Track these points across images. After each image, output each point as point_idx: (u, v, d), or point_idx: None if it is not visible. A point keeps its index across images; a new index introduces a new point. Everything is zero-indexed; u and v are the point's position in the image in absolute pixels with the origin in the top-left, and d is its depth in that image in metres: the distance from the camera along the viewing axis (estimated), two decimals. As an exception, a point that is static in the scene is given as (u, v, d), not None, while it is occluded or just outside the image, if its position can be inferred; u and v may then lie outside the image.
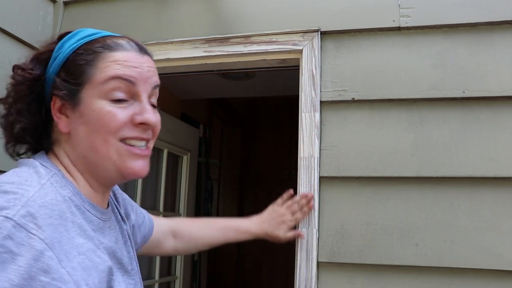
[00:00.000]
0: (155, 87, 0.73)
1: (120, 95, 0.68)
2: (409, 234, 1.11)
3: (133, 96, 0.69)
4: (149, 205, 2.23)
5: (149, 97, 0.71)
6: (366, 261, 1.12)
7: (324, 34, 1.28)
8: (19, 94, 0.71)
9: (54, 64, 0.70)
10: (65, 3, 1.54)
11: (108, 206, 0.77)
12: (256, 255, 4.08)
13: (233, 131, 4.28)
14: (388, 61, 1.22)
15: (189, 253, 1.15)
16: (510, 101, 1.12)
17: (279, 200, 1.22)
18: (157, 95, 0.75)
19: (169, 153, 2.34)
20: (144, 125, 0.69)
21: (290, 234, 1.17)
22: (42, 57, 0.73)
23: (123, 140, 0.68)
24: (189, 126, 2.64)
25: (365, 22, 1.25)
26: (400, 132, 1.17)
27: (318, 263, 1.15)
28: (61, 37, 0.73)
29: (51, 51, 0.72)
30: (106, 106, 0.67)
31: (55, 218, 0.58)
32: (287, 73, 1.43)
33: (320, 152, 1.21)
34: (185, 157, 2.57)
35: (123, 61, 0.68)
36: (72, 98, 0.68)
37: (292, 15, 1.31)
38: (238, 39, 1.33)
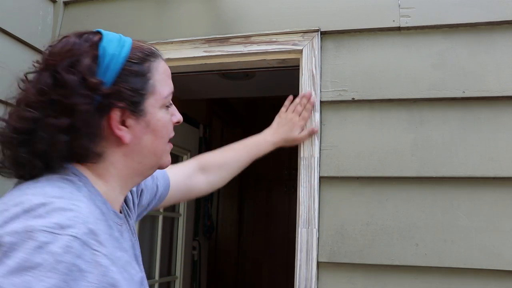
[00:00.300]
0: None
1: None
2: (409, 234, 1.11)
3: None
4: (149, 205, 2.23)
5: None
6: (366, 261, 1.12)
7: (324, 34, 1.28)
8: (84, 108, 0.68)
9: (109, 73, 0.65)
10: (65, 3, 1.54)
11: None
12: (256, 255, 4.08)
13: (233, 131, 4.28)
14: (388, 61, 1.22)
15: (224, 183, 1.16)
16: (510, 101, 1.12)
17: (283, 108, 1.27)
18: None
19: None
20: (177, 123, 0.77)
21: (305, 133, 1.22)
22: (91, 65, 0.67)
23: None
24: (189, 126, 2.64)
25: (365, 22, 1.25)
26: (400, 132, 1.17)
27: (318, 263, 1.15)
28: (97, 39, 0.67)
29: (95, 57, 0.66)
30: (166, 115, 0.73)
31: (106, 233, 0.59)
32: (287, 73, 1.43)
33: (320, 152, 1.21)
34: (185, 157, 2.57)
35: (168, 71, 0.76)
36: (136, 109, 0.68)
37: (292, 15, 1.31)
38: (238, 39, 1.33)
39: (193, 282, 2.79)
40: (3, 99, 1.22)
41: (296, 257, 1.17)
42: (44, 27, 1.46)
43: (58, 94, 0.61)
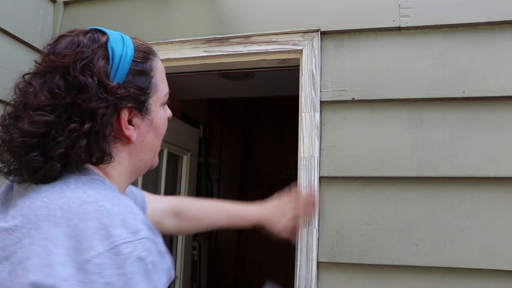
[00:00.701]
0: None
1: None
2: (409, 234, 1.11)
3: None
4: (149, 205, 2.23)
5: None
6: (366, 261, 1.12)
7: (324, 34, 1.28)
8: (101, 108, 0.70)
9: (119, 73, 0.66)
10: (65, 3, 1.54)
11: None
12: (256, 255, 4.08)
13: (233, 131, 4.28)
14: (388, 61, 1.22)
15: (192, 232, 1.19)
16: (510, 101, 1.12)
17: (286, 198, 1.15)
18: None
19: (169, 153, 2.34)
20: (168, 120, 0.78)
21: (288, 232, 1.12)
22: (104, 65, 0.68)
23: None
24: (189, 126, 2.64)
25: (365, 22, 1.25)
26: (400, 132, 1.17)
27: (318, 263, 1.15)
28: (102, 39, 0.67)
29: (107, 58, 0.66)
30: (163, 112, 0.76)
31: None
32: (287, 73, 1.43)
33: (320, 152, 1.21)
34: (185, 157, 2.57)
35: (164, 69, 0.78)
36: (143, 107, 0.69)
37: (292, 15, 1.31)
38: (238, 39, 1.33)
39: (193, 282, 2.79)
40: (3, 99, 1.22)
41: (296, 257, 1.17)
42: (44, 27, 1.46)
43: (75, 98, 0.60)
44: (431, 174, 1.13)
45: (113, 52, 0.65)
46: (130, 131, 0.67)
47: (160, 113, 0.75)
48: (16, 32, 1.31)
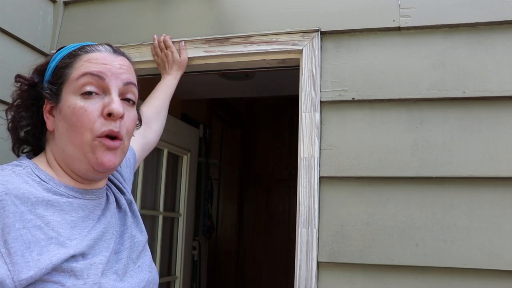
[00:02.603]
0: (127, 84, 0.78)
1: (90, 88, 0.74)
2: (409, 234, 1.11)
3: (104, 90, 0.76)
4: (149, 205, 2.23)
5: (122, 93, 0.78)
6: (366, 261, 1.12)
7: (324, 34, 1.28)
8: (22, 100, 0.80)
9: (48, 73, 0.80)
10: (65, 3, 1.54)
11: (99, 189, 0.82)
12: (256, 255, 4.08)
13: (233, 131, 4.28)
14: (388, 61, 1.22)
15: (163, 126, 1.27)
16: (510, 101, 1.12)
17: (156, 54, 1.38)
18: (134, 93, 0.81)
19: (169, 153, 2.34)
20: (112, 116, 0.73)
21: (181, 54, 1.36)
22: (41, 69, 0.82)
23: (98, 137, 0.73)
24: (189, 126, 2.64)
25: (365, 22, 1.25)
26: (400, 132, 1.17)
27: (318, 263, 1.15)
28: (58, 50, 0.83)
29: (48, 62, 0.82)
30: (78, 102, 0.74)
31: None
32: (287, 73, 1.43)
33: (320, 152, 1.21)
34: (185, 157, 2.57)
35: (95, 59, 0.76)
36: (55, 98, 0.77)
37: (292, 15, 1.31)
38: (238, 39, 1.33)
39: (193, 282, 2.79)
40: (3, 99, 1.22)
41: (296, 257, 1.17)
42: (44, 27, 1.46)
43: None
44: (431, 174, 1.13)
45: (55, 57, 0.81)
46: (47, 119, 0.78)
47: (70, 101, 0.74)
48: (16, 32, 1.31)
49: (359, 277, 1.12)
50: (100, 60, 0.76)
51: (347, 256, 1.13)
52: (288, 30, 1.30)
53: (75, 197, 0.75)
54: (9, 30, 1.29)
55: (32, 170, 0.73)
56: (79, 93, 0.74)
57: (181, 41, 1.37)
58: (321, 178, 1.19)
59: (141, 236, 0.88)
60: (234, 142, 4.29)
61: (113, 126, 0.74)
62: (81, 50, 0.79)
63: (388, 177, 1.15)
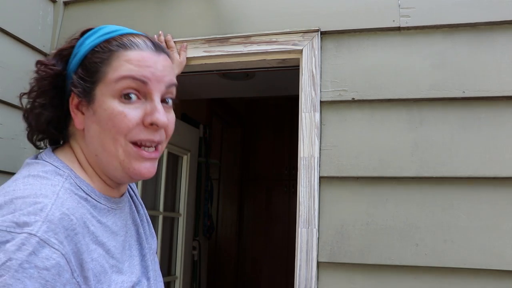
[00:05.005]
0: (169, 86, 0.71)
1: (131, 94, 0.67)
2: (409, 234, 1.11)
3: (145, 95, 0.68)
4: (149, 205, 2.23)
5: (163, 95, 0.70)
6: (366, 261, 1.12)
7: (324, 34, 1.28)
8: (41, 88, 0.72)
9: (74, 61, 0.71)
10: (65, 3, 1.54)
11: (123, 195, 0.78)
12: (256, 255, 4.08)
13: (233, 131, 4.28)
14: (388, 61, 1.22)
15: None
16: (510, 101, 1.12)
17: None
18: (174, 93, 0.74)
19: (169, 153, 2.34)
20: (154, 125, 0.67)
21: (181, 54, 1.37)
22: (63, 53, 0.73)
23: (133, 143, 0.67)
24: (189, 126, 2.64)
25: (365, 22, 1.25)
26: (400, 132, 1.17)
27: (318, 263, 1.15)
28: (83, 33, 0.73)
29: (73, 47, 0.72)
30: (117, 106, 0.66)
31: (72, 230, 0.58)
32: (287, 73, 1.43)
33: (320, 152, 1.21)
34: (185, 157, 2.57)
35: (137, 60, 0.68)
36: (87, 96, 0.68)
37: (292, 15, 1.31)
38: (238, 39, 1.33)
39: (193, 282, 2.79)
40: (3, 99, 1.22)
41: (296, 257, 1.17)
42: (44, 27, 1.46)
43: None
44: (431, 174, 1.12)
45: (82, 42, 0.72)
46: (75, 116, 0.70)
47: (107, 104, 0.66)
48: (16, 32, 1.31)
49: (359, 277, 1.12)
50: (142, 62, 0.68)
51: (347, 256, 1.13)
52: (288, 30, 1.30)
53: (112, 208, 0.72)
54: (9, 30, 1.29)
55: (73, 180, 0.67)
56: (117, 95, 0.67)
57: (184, 42, 1.37)
58: (321, 178, 1.19)
59: (153, 242, 0.86)
60: (234, 142, 4.29)
61: (154, 136, 0.68)
62: (119, 44, 0.69)
63: (388, 177, 1.15)
